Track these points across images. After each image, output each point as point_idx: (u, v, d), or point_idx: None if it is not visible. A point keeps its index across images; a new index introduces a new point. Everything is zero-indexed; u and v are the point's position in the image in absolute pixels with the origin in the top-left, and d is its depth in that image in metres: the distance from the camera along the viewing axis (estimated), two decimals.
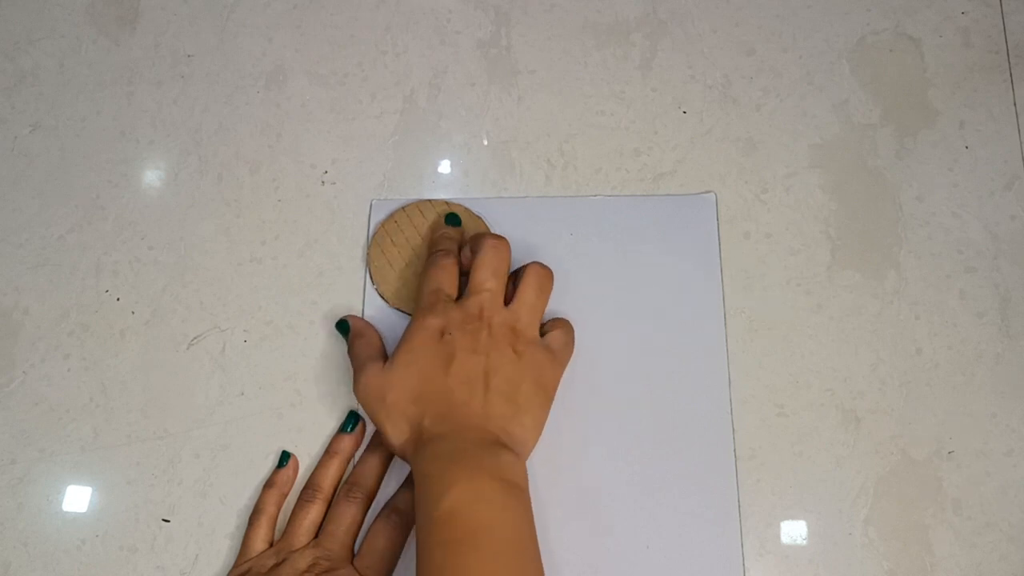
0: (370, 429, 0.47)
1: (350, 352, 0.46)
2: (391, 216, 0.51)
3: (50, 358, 0.50)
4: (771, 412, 0.46)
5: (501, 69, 0.55)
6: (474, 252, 0.46)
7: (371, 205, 0.52)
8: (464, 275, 0.46)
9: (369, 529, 0.44)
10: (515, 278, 0.46)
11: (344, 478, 0.46)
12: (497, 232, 0.50)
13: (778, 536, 0.44)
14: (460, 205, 0.51)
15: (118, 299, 0.51)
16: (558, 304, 0.48)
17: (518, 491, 0.39)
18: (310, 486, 0.45)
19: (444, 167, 0.53)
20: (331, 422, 0.48)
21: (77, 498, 0.47)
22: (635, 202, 0.51)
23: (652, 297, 0.48)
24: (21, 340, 0.50)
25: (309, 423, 0.48)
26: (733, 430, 0.46)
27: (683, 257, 0.49)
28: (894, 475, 0.45)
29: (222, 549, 0.46)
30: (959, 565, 0.43)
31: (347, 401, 0.48)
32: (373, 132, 0.54)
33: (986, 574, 0.43)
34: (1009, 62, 0.53)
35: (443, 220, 0.50)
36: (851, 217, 0.50)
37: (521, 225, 0.50)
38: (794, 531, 0.44)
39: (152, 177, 0.54)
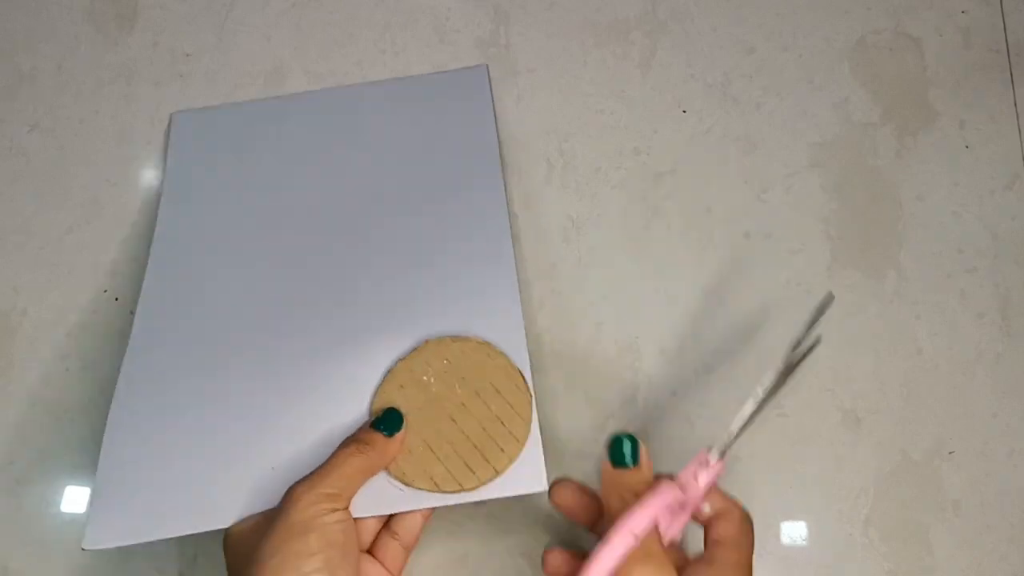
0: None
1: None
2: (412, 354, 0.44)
3: (48, 358, 0.50)
4: (771, 412, 0.46)
5: (500, 68, 0.55)
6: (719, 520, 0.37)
7: None
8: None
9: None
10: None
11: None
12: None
13: (778, 536, 0.44)
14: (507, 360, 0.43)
15: (116, 299, 0.51)
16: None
17: None
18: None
19: None
20: None
21: (76, 499, 0.47)
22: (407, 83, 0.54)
23: (432, 170, 0.50)
24: (19, 340, 0.50)
25: None
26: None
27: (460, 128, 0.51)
28: (894, 475, 0.45)
29: (221, 551, 0.45)
30: (959, 565, 0.43)
31: None
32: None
33: (986, 574, 0.43)
34: (1009, 62, 0.53)
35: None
36: (851, 217, 0.50)
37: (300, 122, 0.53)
38: (794, 531, 0.44)
39: (151, 177, 0.54)
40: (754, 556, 0.43)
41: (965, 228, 0.49)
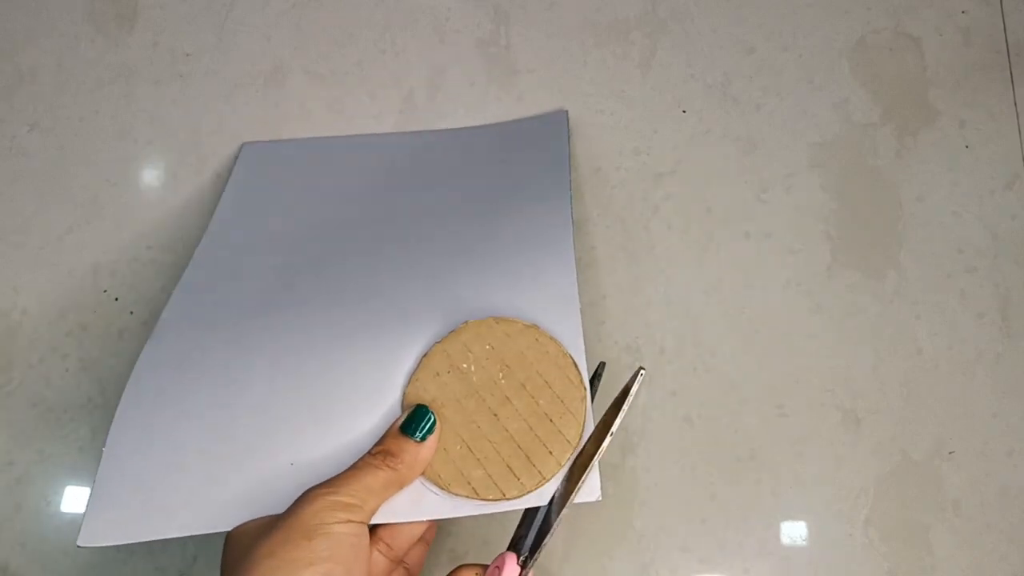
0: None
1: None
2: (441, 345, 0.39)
3: (48, 358, 0.50)
4: (771, 412, 0.46)
5: (500, 68, 0.55)
6: None
7: None
8: None
9: None
10: None
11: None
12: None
13: (778, 536, 0.44)
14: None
15: (116, 299, 0.51)
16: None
17: None
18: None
19: None
20: None
21: (75, 499, 0.47)
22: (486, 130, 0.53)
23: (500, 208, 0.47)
24: (19, 340, 0.50)
25: None
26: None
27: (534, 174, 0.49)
28: (894, 475, 0.45)
29: (221, 550, 0.45)
30: (959, 565, 0.43)
31: None
32: (372, 131, 0.54)
33: (986, 574, 0.43)
34: (1009, 61, 0.53)
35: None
36: (851, 217, 0.50)
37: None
38: (794, 531, 0.44)
39: (150, 177, 0.54)
40: (754, 556, 0.43)
41: (965, 228, 0.49)
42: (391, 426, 0.37)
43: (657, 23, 0.55)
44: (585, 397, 0.37)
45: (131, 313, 0.50)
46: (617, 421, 0.35)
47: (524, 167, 0.49)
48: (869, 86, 0.53)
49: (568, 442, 0.36)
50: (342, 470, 0.35)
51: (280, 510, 0.34)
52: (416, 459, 0.35)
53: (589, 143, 0.52)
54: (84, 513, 0.37)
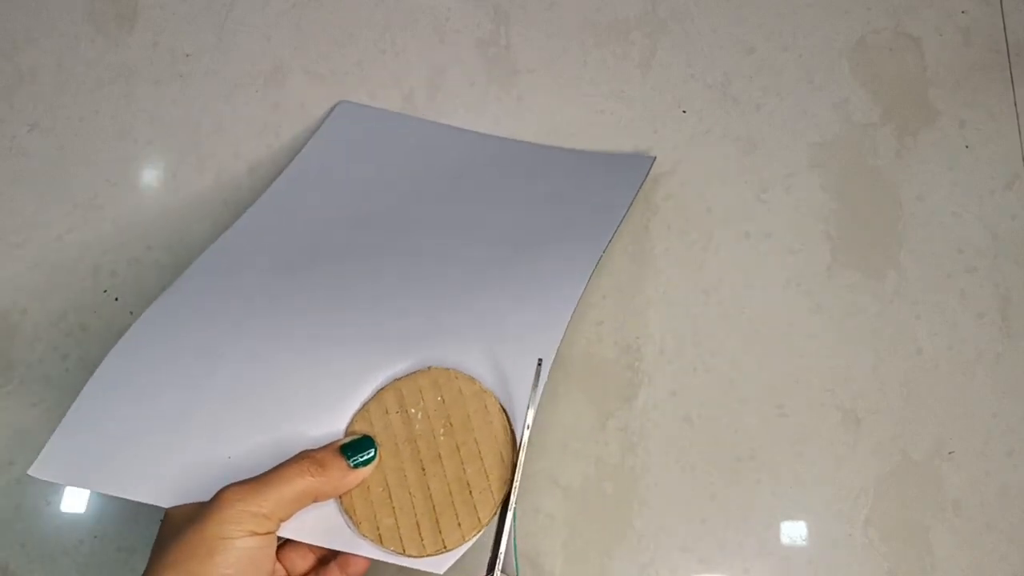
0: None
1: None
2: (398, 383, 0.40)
3: (48, 358, 0.50)
4: (771, 412, 0.46)
5: (500, 68, 0.55)
6: None
7: None
8: None
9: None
10: None
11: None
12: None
13: (778, 536, 0.44)
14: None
15: (116, 299, 0.51)
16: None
17: None
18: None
19: None
20: None
21: (75, 499, 0.47)
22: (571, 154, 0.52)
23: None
24: (19, 340, 0.50)
25: None
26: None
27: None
28: (894, 475, 0.45)
29: None
30: (959, 565, 0.43)
31: None
32: None
33: (986, 574, 0.43)
34: (1009, 61, 0.53)
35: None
36: (851, 217, 0.50)
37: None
38: (794, 531, 0.44)
39: (150, 177, 0.54)
40: (754, 556, 0.43)
41: (965, 228, 0.49)
42: (332, 443, 0.37)
43: (657, 23, 0.55)
44: (510, 482, 0.36)
45: (131, 313, 0.50)
46: (529, 414, 0.37)
47: (579, 205, 0.48)
48: (869, 86, 0.53)
49: (479, 520, 0.36)
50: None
51: (207, 498, 0.34)
52: (341, 481, 0.36)
53: (589, 143, 0.52)
54: (44, 447, 0.38)
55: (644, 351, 0.48)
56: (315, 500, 0.35)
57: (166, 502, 0.36)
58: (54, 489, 0.47)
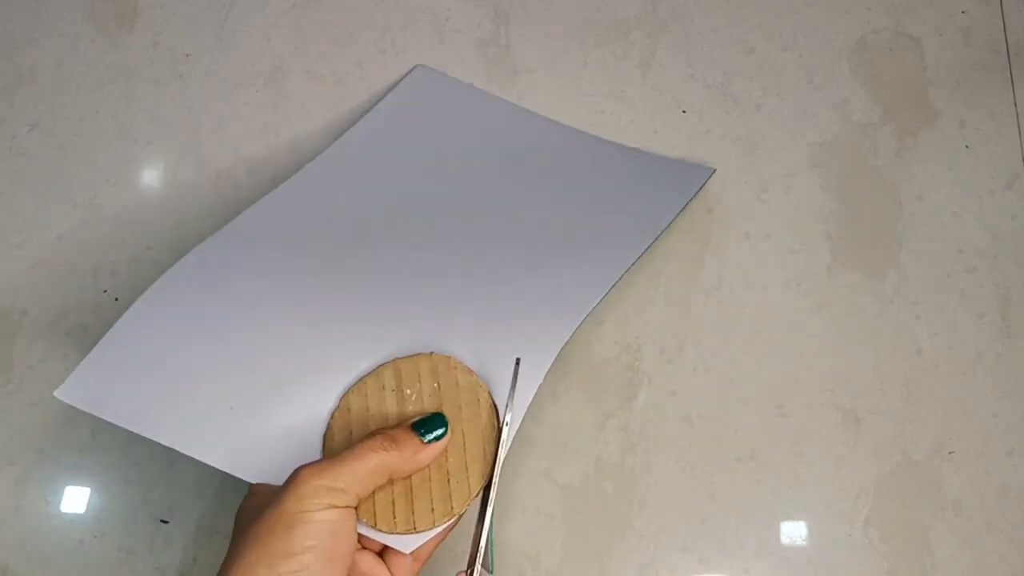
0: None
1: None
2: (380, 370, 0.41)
3: (48, 358, 0.50)
4: (771, 412, 0.46)
5: (500, 68, 0.55)
6: None
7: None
8: None
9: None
10: None
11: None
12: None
13: (778, 536, 0.44)
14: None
15: (116, 299, 0.51)
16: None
17: None
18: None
19: None
20: None
21: (75, 499, 0.47)
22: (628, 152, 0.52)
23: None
24: (19, 340, 0.50)
25: None
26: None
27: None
28: (894, 475, 0.45)
29: (221, 551, 0.45)
30: (959, 565, 0.43)
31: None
32: None
33: (986, 574, 0.43)
34: (1009, 61, 0.53)
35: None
36: (851, 217, 0.50)
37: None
38: (794, 531, 0.44)
39: (150, 177, 0.54)
40: (754, 556, 0.43)
41: (965, 228, 0.49)
42: (404, 420, 0.38)
43: (657, 23, 0.55)
44: (489, 477, 0.37)
45: None
46: (509, 414, 0.38)
47: (621, 213, 0.48)
48: (869, 86, 0.53)
49: (452, 508, 0.37)
50: (263, 435, 0.38)
51: (203, 451, 0.38)
52: (415, 456, 0.36)
53: None
54: (74, 370, 0.40)
55: (644, 351, 0.48)
56: (391, 476, 0.36)
57: (174, 443, 0.39)
58: (54, 489, 0.47)
